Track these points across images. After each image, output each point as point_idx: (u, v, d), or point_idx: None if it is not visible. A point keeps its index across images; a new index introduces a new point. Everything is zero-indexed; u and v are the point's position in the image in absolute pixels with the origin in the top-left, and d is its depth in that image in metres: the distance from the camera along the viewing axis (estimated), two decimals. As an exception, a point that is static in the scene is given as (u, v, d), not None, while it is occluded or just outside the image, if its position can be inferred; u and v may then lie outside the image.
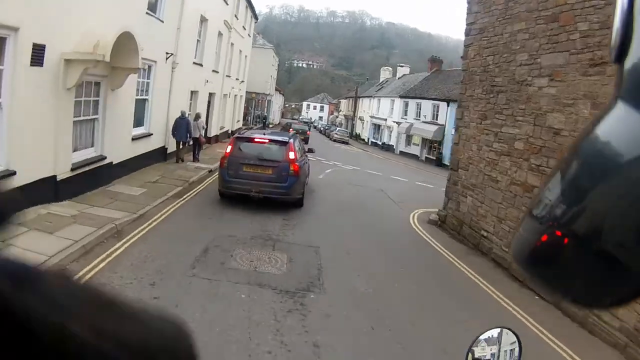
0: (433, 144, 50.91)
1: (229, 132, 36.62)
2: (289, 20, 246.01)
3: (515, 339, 2.09)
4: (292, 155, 14.50)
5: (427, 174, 36.80)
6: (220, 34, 29.46)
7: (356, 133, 78.50)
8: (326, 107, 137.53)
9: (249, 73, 47.23)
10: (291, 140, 15.28)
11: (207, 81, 27.27)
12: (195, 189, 16.55)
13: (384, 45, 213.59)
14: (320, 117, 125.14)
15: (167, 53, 18.90)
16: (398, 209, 18.55)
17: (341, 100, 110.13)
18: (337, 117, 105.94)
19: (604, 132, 0.63)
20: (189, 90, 23.59)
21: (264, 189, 13.99)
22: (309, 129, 63.49)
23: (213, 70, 29.15)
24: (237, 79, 40.13)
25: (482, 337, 2.12)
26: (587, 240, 0.62)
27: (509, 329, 2.12)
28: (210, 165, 21.20)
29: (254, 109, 62.23)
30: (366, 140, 73.07)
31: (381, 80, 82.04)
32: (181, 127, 20.51)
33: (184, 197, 15.10)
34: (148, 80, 18.10)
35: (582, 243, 0.62)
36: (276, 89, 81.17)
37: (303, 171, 15.36)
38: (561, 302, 1.17)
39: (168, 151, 21.07)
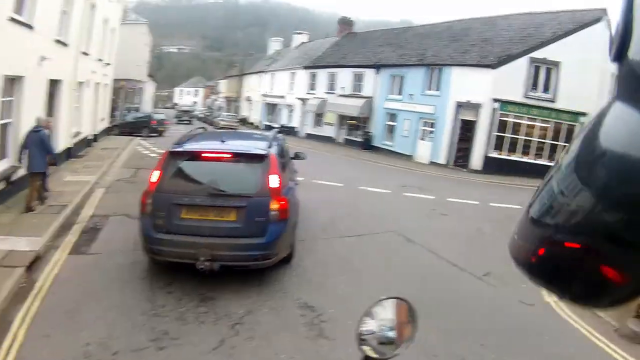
0: (354, 124, 42.33)
1: (86, 139, 26.50)
2: (160, 5, 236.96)
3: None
4: (274, 181, 8.92)
5: (385, 168, 29.02)
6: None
7: (244, 117, 68.35)
8: (201, 91, 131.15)
9: (117, 55, 36.24)
10: (272, 151, 9.50)
11: (44, 58, 16.39)
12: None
13: (258, 23, 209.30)
14: (195, 102, 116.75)
15: None
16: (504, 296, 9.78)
17: (220, 81, 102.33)
18: (215, 100, 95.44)
19: (604, 131, 0.66)
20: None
21: (221, 253, 8.37)
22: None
23: (57, 41, 18.19)
24: (100, 61, 29.09)
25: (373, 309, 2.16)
26: (588, 245, 0.66)
27: (399, 298, 2.22)
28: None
29: (124, 100, 48.99)
30: (257, 124, 62.50)
31: (270, 53, 72.09)
32: (36, 147, 12.75)
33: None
34: None
35: (584, 250, 0.67)
36: (149, 75, 68.46)
37: (293, 208, 9.66)
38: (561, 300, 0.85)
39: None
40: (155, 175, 8.99)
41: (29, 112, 14.60)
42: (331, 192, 17.93)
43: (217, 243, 8.53)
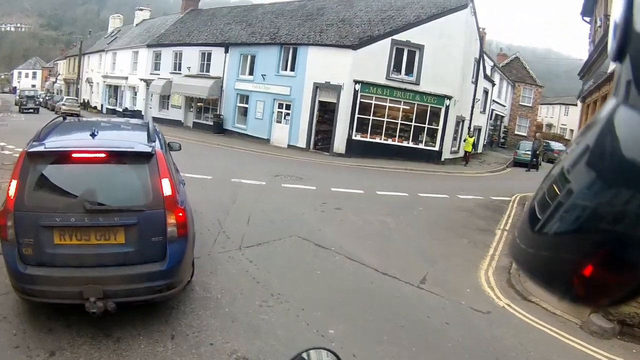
0: (201, 105, 40.61)
1: None
2: None
3: None
4: (167, 186, 6.93)
5: (245, 154, 27.49)
6: None
7: (84, 100, 62.79)
8: (39, 72, 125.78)
9: None
10: (157, 146, 7.28)
11: None
12: None
13: None
14: (34, 86, 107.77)
15: None
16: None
17: (58, 61, 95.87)
18: (54, 82, 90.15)
19: (603, 132, 0.69)
20: None
21: (114, 288, 6.55)
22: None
23: None
24: None
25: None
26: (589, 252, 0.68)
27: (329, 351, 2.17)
28: None
29: None
30: (99, 107, 58.44)
31: (111, 30, 67.02)
32: None
33: None
34: None
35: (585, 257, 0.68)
36: None
37: (191, 218, 7.48)
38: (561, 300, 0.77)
39: None
40: (12, 187, 6.79)
41: None
42: (203, 188, 15.83)
43: (106, 276, 6.69)
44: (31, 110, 51.54)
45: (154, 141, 7.49)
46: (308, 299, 8.50)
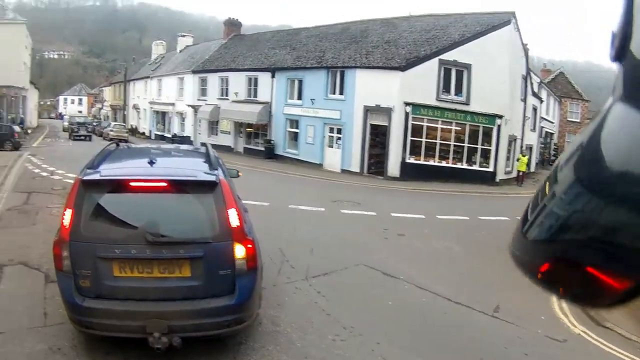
0: (251, 130, 40.60)
1: None
2: (39, 7, 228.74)
3: None
4: (234, 217, 6.47)
5: (300, 180, 27.26)
6: None
7: (132, 126, 63.78)
8: (85, 99, 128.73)
9: None
10: (220, 175, 6.88)
11: None
12: None
13: (136, 27, 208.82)
14: (80, 112, 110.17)
15: None
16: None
17: (103, 88, 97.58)
18: (101, 109, 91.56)
19: (604, 132, 0.68)
20: None
21: (179, 323, 6.21)
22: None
23: None
24: None
25: None
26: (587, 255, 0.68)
27: None
28: None
29: (7, 110, 44.75)
30: (147, 133, 59.03)
31: (154, 57, 67.90)
32: None
33: None
34: None
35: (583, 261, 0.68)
36: (31, 82, 63.45)
37: (259, 249, 6.96)
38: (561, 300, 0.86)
39: None
40: (67, 217, 6.45)
41: None
42: (261, 214, 15.10)
43: (172, 310, 6.36)
44: (82, 138, 49.78)
45: (217, 169, 7.17)
46: (382, 331, 8.14)
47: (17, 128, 37.46)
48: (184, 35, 61.14)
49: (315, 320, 8.19)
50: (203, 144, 10.57)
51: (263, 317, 7.89)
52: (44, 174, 22.95)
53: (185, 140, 45.48)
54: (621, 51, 0.64)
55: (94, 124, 64.68)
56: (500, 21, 29.08)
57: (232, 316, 6.45)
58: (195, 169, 7.43)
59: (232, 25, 50.38)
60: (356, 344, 7.65)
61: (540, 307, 9.46)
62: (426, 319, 8.72)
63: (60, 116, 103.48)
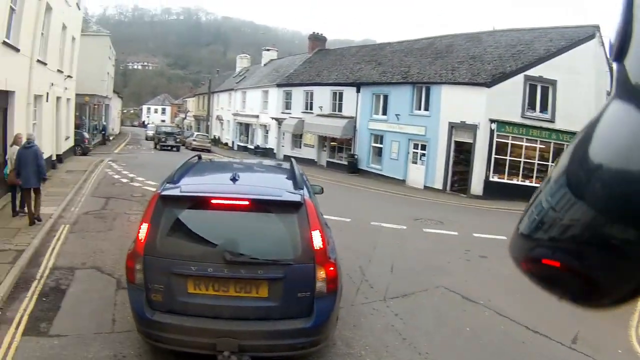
0: (335, 144, 40.76)
1: (50, 160, 23.81)
2: (123, 21, 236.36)
3: None
4: (318, 239, 6.25)
5: (382, 195, 27.09)
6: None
7: (215, 137, 64.83)
8: (168, 109, 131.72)
9: (79, 67, 33.56)
10: (305, 194, 6.62)
11: None
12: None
13: (220, 40, 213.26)
14: (163, 121, 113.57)
15: None
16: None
17: (187, 99, 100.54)
18: (184, 118, 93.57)
19: (604, 132, 0.68)
20: None
21: (251, 343, 6.16)
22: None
23: (4, 43, 15.94)
24: (60, 72, 26.29)
25: None
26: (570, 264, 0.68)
27: None
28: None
29: (89, 117, 46.10)
30: (230, 144, 60.14)
31: (239, 70, 69.80)
32: (30, 162, 13.36)
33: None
34: None
35: (580, 263, 0.68)
36: (114, 91, 65.56)
37: (340, 274, 6.72)
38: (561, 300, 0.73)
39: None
40: (143, 231, 6.43)
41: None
42: (342, 231, 14.97)
43: (244, 330, 6.28)
44: (169, 148, 48.07)
45: (302, 188, 6.90)
46: (457, 358, 8.07)
47: (86, 134, 38.99)
48: (268, 49, 62.06)
49: (391, 344, 8.03)
50: (288, 159, 10.42)
51: (337, 338, 7.78)
52: (124, 180, 23.74)
53: (268, 152, 46.62)
54: (621, 51, 0.65)
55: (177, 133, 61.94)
56: (584, 35, 28.20)
57: (307, 338, 6.33)
58: (279, 187, 7.23)
59: (317, 39, 51.12)
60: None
61: (617, 340, 9.23)
62: (503, 347, 8.58)
63: (144, 125, 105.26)
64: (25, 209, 13.79)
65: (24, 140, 14.12)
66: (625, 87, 0.63)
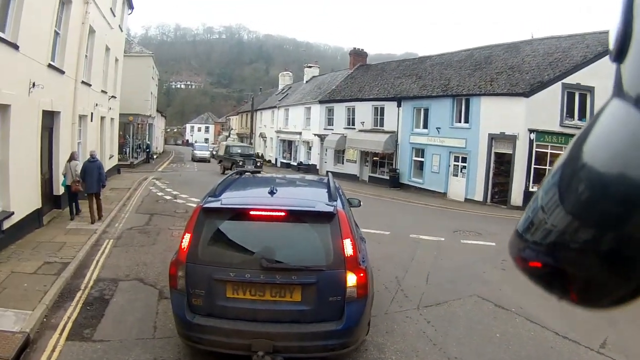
0: (376, 159, 40.72)
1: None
2: (166, 41, 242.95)
3: None
4: (349, 247, 6.70)
5: (423, 209, 27.04)
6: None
7: (259, 154, 64.39)
8: (211, 127, 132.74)
9: (122, 88, 34.87)
10: (339, 206, 7.12)
11: (34, 85, 14.64)
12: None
13: (262, 58, 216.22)
14: (206, 139, 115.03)
15: None
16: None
17: (231, 117, 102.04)
18: (227, 136, 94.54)
19: (604, 132, 0.66)
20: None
21: (285, 344, 6.52)
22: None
23: (50, 66, 16.45)
24: (104, 92, 27.30)
25: None
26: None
27: None
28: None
29: (133, 136, 47.29)
30: (274, 161, 60.66)
31: (281, 87, 70.71)
32: (93, 174, 16.72)
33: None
34: None
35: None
36: (157, 110, 66.82)
37: (371, 278, 7.21)
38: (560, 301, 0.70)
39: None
40: (186, 240, 6.98)
41: (18, 147, 13.42)
42: (380, 243, 15.77)
43: (278, 332, 6.70)
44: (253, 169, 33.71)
45: (336, 200, 7.36)
46: None
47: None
48: (310, 66, 62.42)
49: (421, 349, 8.27)
50: (327, 173, 11.04)
51: (370, 343, 8.07)
52: (168, 197, 24.29)
53: (310, 168, 46.99)
54: (621, 51, 0.65)
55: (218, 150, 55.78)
56: (620, 38, 27.84)
57: (337, 340, 6.67)
58: (314, 199, 7.74)
59: (358, 55, 51.24)
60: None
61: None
62: (530, 352, 8.67)
63: (188, 143, 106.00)
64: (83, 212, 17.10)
65: (79, 157, 17.40)
66: (624, 87, 0.64)
